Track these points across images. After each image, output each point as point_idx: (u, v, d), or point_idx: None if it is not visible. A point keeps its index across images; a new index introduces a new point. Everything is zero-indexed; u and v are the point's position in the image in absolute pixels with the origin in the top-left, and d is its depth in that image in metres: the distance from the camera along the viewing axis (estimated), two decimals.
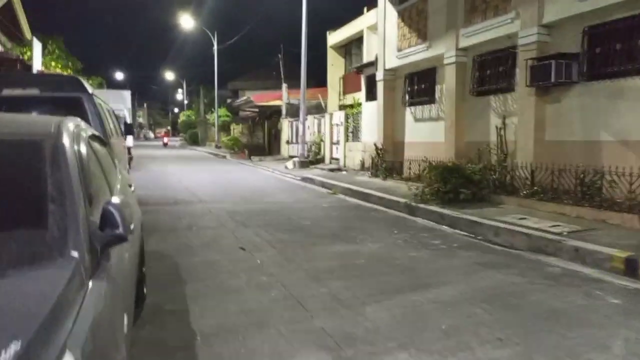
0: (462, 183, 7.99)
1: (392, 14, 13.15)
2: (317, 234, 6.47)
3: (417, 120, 12.46)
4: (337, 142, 17.86)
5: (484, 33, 9.61)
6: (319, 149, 19.40)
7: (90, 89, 5.55)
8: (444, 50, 10.73)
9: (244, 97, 32.36)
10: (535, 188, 7.84)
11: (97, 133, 3.21)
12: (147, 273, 4.01)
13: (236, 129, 37.33)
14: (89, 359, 1.28)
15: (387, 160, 12.78)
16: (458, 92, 10.47)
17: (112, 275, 1.85)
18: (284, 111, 24.85)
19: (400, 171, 12.46)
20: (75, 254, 1.62)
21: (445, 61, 10.70)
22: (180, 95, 67.78)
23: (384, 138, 13.34)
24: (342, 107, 20.86)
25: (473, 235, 6.45)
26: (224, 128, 39.36)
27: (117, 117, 7.78)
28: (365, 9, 19.71)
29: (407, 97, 12.82)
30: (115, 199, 1.93)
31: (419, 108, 12.34)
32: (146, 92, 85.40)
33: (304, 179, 13.69)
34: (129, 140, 11.32)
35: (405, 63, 12.49)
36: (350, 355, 2.92)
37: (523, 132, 8.59)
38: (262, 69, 35.99)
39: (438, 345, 3.06)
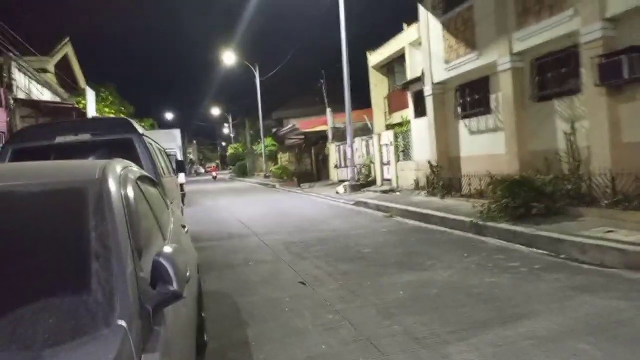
0: (533, 196, 7.35)
1: (435, 26, 12.75)
2: (380, 263, 6.03)
3: (472, 132, 11.84)
4: (388, 163, 17.40)
5: (540, 34, 9.01)
6: (369, 171, 18.99)
7: (140, 130, 5.50)
8: (496, 57, 10.19)
9: (289, 125, 32.57)
10: (618, 196, 7.07)
11: (146, 174, 3.02)
12: (206, 316, 3.77)
13: (283, 158, 37.65)
14: None
15: (444, 177, 12.16)
16: (516, 99, 9.85)
17: (168, 341, 1.56)
18: (330, 136, 24.74)
19: (458, 188, 11.79)
20: (122, 322, 1.35)
21: (499, 68, 10.14)
22: (226, 129, 69.65)
23: (437, 154, 12.76)
24: (389, 127, 20.47)
25: (555, 254, 5.80)
26: (271, 157, 39.80)
27: (168, 155, 7.78)
28: (404, 25, 19.44)
29: (459, 109, 12.27)
30: (167, 249, 1.66)
31: (473, 120, 11.74)
32: (195, 129, 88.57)
33: (357, 203, 13.28)
34: (181, 177, 11.43)
35: (454, 75, 12.00)
36: None
37: (597, 135, 7.84)
38: (305, 96, 36.25)
39: None
